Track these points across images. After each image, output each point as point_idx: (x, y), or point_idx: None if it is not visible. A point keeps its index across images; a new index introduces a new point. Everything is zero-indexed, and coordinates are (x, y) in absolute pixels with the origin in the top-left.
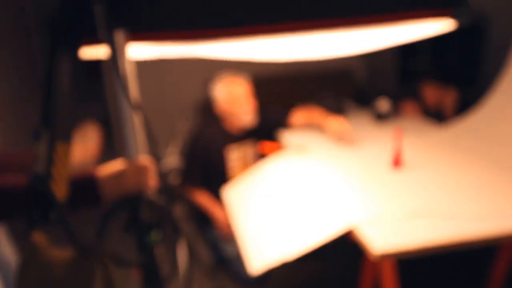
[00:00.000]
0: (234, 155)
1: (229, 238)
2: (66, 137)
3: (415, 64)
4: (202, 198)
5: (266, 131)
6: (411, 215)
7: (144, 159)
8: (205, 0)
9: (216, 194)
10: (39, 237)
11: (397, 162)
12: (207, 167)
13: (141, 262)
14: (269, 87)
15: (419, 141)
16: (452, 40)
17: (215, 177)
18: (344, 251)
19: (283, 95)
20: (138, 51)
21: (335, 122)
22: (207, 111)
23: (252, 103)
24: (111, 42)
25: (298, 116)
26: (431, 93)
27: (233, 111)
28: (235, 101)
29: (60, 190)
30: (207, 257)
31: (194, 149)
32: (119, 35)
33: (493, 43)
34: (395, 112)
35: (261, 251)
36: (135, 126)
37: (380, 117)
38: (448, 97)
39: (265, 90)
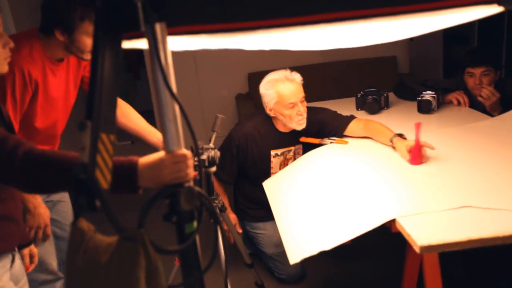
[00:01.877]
0: (278, 158)
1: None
2: (109, 128)
3: (461, 53)
4: (219, 191)
5: (315, 131)
6: (452, 207)
7: (183, 151)
8: None
9: (256, 190)
10: (85, 223)
11: (414, 159)
12: (247, 166)
13: (181, 250)
14: (312, 75)
15: (458, 133)
16: (502, 26)
17: (255, 174)
18: (385, 246)
19: (326, 83)
20: (177, 43)
21: (403, 145)
22: (248, 106)
23: (302, 109)
24: (152, 35)
25: (357, 126)
26: (470, 79)
27: (280, 114)
28: (286, 105)
29: (104, 178)
30: (244, 248)
31: (232, 143)
32: (159, 28)
33: None
34: (441, 104)
35: (300, 241)
36: (175, 117)
37: (425, 111)
38: (485, 79)
39: (306, 78)
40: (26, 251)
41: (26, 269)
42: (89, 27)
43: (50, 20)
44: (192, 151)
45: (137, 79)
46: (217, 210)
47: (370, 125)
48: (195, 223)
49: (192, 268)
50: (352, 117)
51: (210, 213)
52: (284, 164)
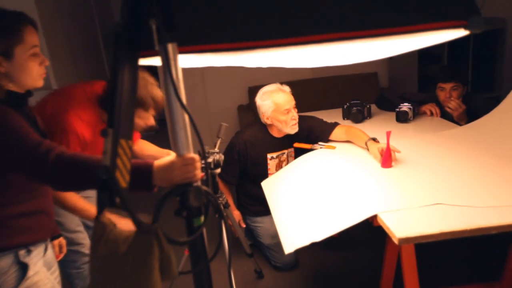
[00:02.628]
0: (273, 160)
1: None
2: (128, 135)
3: (433, 70)
4: (226, 194)
5: (305, 136)
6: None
7: (191, 154)
8: (241, 18)
9: (255, 188)
10: (106, 217)
11: (385, 163)
12: (247, 168)
13: (190, 242)
14: (302, 88)
15: (430, 140)
16: (469, 45)
17: (254, 175)
18: (368, 238)
19: (316, 96)
20: (186, 61)
21: (375, 147)
22: (248, 116)
23: (295, 114)
24: (164, 53)
25: (339, 132)
26: (441, 93)
27: (276, 121)
28: (282, 112)
29: (123, 178)
30: (245, 239)
31: (234, 149)
32: (171, 47)
33: (511, 48)
34: (416, 115)
35: (293, 233)
36: (185, 125)
37: (402, 120)
38: (454, 93)
39: (298, 91)
40: (56, 242)
41: (56, 257)
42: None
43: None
44: (200, 154)
45: None
46: (221, 207)
47: (350, 130)
48: (202, 218)
49: (199, 257)
50: (336, 124)
51: (215, 209)
52: (279, 165)
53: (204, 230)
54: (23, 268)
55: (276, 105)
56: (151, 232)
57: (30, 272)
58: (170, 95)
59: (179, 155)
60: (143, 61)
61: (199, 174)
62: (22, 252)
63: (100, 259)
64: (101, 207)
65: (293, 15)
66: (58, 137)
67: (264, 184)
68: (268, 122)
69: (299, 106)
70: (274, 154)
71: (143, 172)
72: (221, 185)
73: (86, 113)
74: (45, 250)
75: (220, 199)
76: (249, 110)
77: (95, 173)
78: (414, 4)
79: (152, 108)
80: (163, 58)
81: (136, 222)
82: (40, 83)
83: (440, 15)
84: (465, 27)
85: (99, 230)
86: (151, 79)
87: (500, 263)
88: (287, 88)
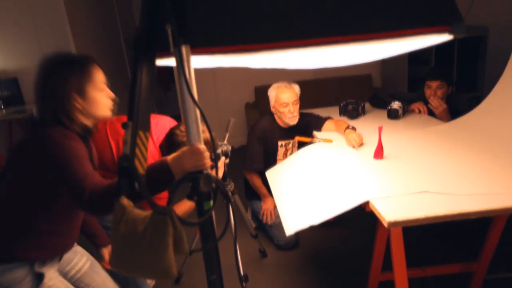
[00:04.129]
0: (282, 147)
1: (270, 221)
2: (146, 127)
3: (422, 71)
4: (258, 183)
5: (304, 130)
6: (413, 192)
7: (199, 145)
8: (248, 23)
9: (263, 175)
10: (126, 200)
11: (377, 154)
12: (264, 153)
13: (200, 223)
14: (306, 89)
15: (418, 135)
16: (454, 49)
17: (267, 161)
18: (361, 222)
19: (317, 95)
20: (198, 61)
21: (351, 134)
22: (254, 113)
23: (294, 108)
24: (178, 54)
25: (330, 124)
26: (428, 90)
27: (278, 110)
28: (281, 104)
29: (141, 166)
30: (251, 222)
31: (255, 136)
32: (184, 49)
33: (494, 51)
34: (405, 112)
35: (294, 217)
36: (197, 119)
37: (392, 117)
38: (439, 91)
39: (301, 90)
40: (105, 250)
41: (106, 265)
42: None
43: None
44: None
45: (168, 91)
46: (229, 193)
47: (337, 123)
48: (211, 202)
49: (209, 236)
50: (327, 118)
51: (223, 195)
52: (285, 153)
53: (213, 213)
54: (39, 277)
55: (277, 98)
56: (166, 213)
57: (46, 280)
58: (183, 92)
59: (189, 145)
60: (159, 62)
61: (208, 162)
62: (37, 264)
63: (121, 237)
64: (120, 191)
65: (295, 20)
66: None
67: (268, 173)
68: (273, 111)
69: (301, 103)
70: (283, 142)
71: (161, 167)
72: (255, 179)
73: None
74: (60, 258)
75: (228, 186)
76: (255, 107)
77: (118, 161)
78: (404, 11)
79: (208, 149)
80: (177, 59)
81: (152, 204)
82: (108, 113)
83: (427, 21)
84: (449, 32)
85: (119, 211)
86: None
87: (478, 245)
88: (296, 87)
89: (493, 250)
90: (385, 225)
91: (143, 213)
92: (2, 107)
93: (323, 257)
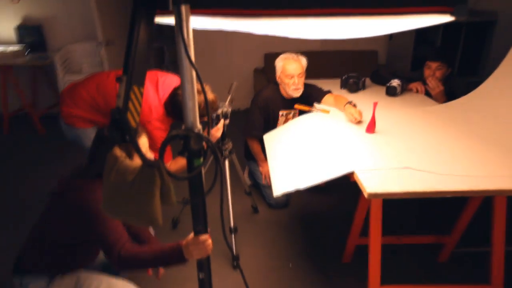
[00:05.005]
0: (282, 117)
1: (266, 183)
2: (140, 82)
3: (426, 51)
4: (257, 149)
5: (305, 100)
6: (396, 167)
7: (203, 236)
8: None
9: (261, 140)
10: (119, 151)
11: (370, 128)
12: (265, 121)
13: (189, 178)
14: (312, 59)
15: (412, 114)
16: (461, 33)
17: (267, 129)
18: (349, 190)
19: (322, 67)
20: (197, 22)
21: (352, 109)
22: (262, 78)
23: (299, 81)
24: (178, 13)
25: (329, 98)
26: (427, 70)
27: (283, 81)
28: (287, 75)
29: (133, 119)
30: (246, 180)
31: (256, 105)
32: (184, 9)
33: (500, 38)
34: (403, 91)
35: (283, 180)
36: (192, 79)
37: (390, 94)
38: (438, 72)
39: (310, 62)
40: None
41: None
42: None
43: None
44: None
45: None
46: (227, 153)
47: (337, 98)
48: (201, 159)
49: (197, 191)
50: (327, 92)
51: (213, 153)
52: (285, 122)
53: (203, 169)
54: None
55: (283, 69)
56: (154, 166)
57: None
58: (181, 52)
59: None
60: (160, 19)
61: (210, 249)
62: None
63: (111, 184)
64: (113, 142)
65: None
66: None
67: (265, 136)
68: (279, 81)
69: (307, 73)
70: (285, 112)
71: (177, 254)
72: (255, 146)
73: (162, 122)
74: None
75: (226, 146)
76: (263, 73)
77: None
78: None
79: (211, 110)
80: (176, 18)
81: (142, 157)
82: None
83: (431, 0)
84: (451, 14)
85: (111, 161)
86: (198, 87)
87: (453, 220)
88: (303, 60)
89: (464, 227)
90: (366, 195)
91: (133, 164)
92: (26, 53)
93: (310, 219)
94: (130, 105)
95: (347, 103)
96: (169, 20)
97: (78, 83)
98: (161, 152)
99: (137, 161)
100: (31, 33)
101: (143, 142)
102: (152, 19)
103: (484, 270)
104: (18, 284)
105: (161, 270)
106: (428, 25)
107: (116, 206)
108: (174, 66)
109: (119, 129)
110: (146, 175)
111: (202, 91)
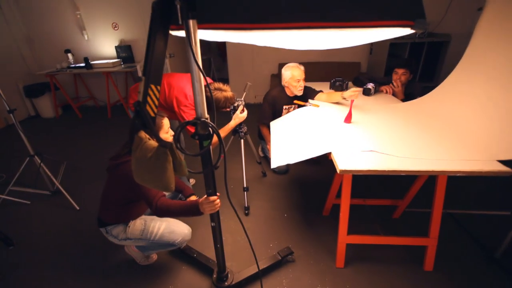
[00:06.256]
0: (286, 110)
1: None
2: (158, 82)
3: (395, 61)
4: (266, 133)
5: (303, 98)
6: (364, 150)
7: (213, 197)
8: (246, 6)
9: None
10: (144, 134)
11: (347, 119)
12: (272, 113)
13: (200, 154)
14: (312, 67)
15: (382, 109)
16: (423, 49)
17: (273, 118)
18: (332, 163)
19: (316, 73)
20: (206, 34)
21: (348, 92)
22: (276, 81)
23: (302, 84)
24: (187, 27)
25: (322, 95)
26: (395, 75)
27: (291, 85)
28: (295, 80)
29: (152, 110)
30: (257, 154)
31: (266, 101)
32: (191, 23)
33: (452, 54)
34: (376, 91)
35: (278, 156)
36: (200, 79)
37: (366, 94)
38: (403, 77)
39: (309, 68)
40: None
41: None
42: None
43: None
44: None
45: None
46: (243, 134)
47: (329, 94)
48: (209, 141)
49: (207, 163)
50: (319, 91)
51: (216, 135)
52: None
53: (211, 149)
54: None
55: (292, 75)
56: (166, 146)
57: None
58: (190, 59)
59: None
60: (175, 32)
61: (218, 207)
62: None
63: (136, 159)
64: (137, 128)
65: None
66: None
67: (272, 123)
68: (286, 85)
69: (309, 77)
70: (287, 106)
71: (195, 208)
72: (264, 130)
73: (194, 108)
74: None
75: (242, 129)
76: (277, 77)
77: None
78: (374, 4)
79: (228, 104)
80: (185, 31)
81: (157, 139)
82: (170, 140)
83: (394, 15)
84: (412, 27)
85: (137, 141)
86: (221, 86)
87: (406, 189)
88: (302, 67)
89: (414, 194)
90: (338, 171)
91: (152, 144)
92: (122, 63)
93: (303, 182)
94: (149, 99)
95: (342, 93)
96: (181, 33)
97: None
98: (175, 136)
99: (155, 142)
100: (124, 51)
101: (166, 122)
102: (167, 32)
103: (426, 226)
104: (104, 232)
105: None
106: (392, 36)
107: (140, 175)
108: (218, 72)
109: (141, 118)
110: (160, 153)
111: (209, 93)
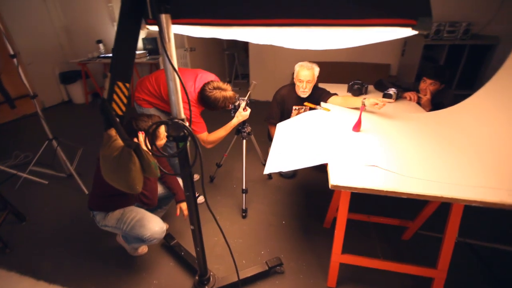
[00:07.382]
0: (295, 111)
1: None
2: (126, 79)
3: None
4: (273, 132)
5: (316, 100)
6: (365, 165)
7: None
8: (224, 1)
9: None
10: (113, 132)
11: (356, 127)
12: (281, 113)
13: (175, 155)
14: (338, 68)
15: (400, 118)
16: (464, 52)
17: (282, 118)
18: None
19: (343, 74)
20: (177, 29)
21: (370, 101)
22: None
23: (307, 86)
24: (159, 22)
25: (336, 98)
26: (423, 84)
27: (296, 83)
28: (298, 79)
29: (119, 108)
30: (262, 155)
31: (275, 99)
32: (164, 18)
33: (500, 60)
34: (398, 98)
35: (273, 162)
36: (174, 77)
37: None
38: (432, 87)
39: (332, 68)
40: (178, 206)
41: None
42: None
43: None
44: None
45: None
46: (245, 134)
47: (347, 98)
48: (183, 143)
49: (185, 164)
50: (334, 94)
51: (190, 136)
52: (297, 115)
53: (188, 149)
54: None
55: (296, 74)
56: (131, 147)
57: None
58: (164, 57)
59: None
60: (151, 27)
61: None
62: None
63: (102, 157)
64: (106, 126)
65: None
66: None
67: (278, 125)
68: (295, 82)
69: (331, 78)
70: (297, 107)
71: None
72: (271, 130)
73: (194, 106)
74: None
75: (246, 129)
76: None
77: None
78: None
79: (228, 103)
80: (158, 26)
81: (122, 138)
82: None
83: (390, 12)
84: (414, 27)
85: (106, 138)
86: (221, 85)
87: (422, 208)
88: (316, 69)
89: (427, 217)
90: (330, 185)
91: (120, 143)
92: (147, 55)
93: (310, 189)
94: (115, 97)
95: (364, 99)
96: (153, 27)
97: (147, 76)
98: (146, 136)
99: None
100: (150, 43)
101: (162, 130)
102: (137, 27)
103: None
104: (92, 215)
105: (186, 213)
106: (391, 38)
107: (106, 173)
108: (242, 67)
109: (105, 115)
110: (125, 153)
111: (184, 90)
